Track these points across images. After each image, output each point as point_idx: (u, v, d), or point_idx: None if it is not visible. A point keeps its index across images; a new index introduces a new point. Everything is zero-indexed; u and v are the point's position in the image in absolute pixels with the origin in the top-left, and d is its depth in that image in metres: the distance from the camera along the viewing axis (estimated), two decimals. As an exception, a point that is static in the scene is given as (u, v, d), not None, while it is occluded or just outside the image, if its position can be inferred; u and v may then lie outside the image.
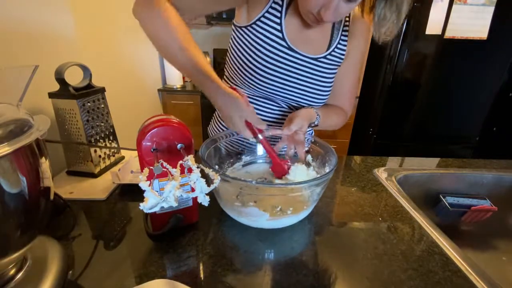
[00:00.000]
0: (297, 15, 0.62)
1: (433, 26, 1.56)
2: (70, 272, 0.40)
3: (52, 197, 0.36)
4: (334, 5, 0.50)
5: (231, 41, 0.69)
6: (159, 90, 1.97)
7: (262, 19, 0.61)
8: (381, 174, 0.73)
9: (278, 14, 0.61)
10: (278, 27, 0.61)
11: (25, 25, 0.72)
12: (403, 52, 1.64)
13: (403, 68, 1.68)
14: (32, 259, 0.38)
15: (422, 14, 1.54)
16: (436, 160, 0.84)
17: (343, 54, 0.69)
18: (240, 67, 0.66)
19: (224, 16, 1.95)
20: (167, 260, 0.42)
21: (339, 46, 0.67)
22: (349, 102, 0.77)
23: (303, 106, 0.70)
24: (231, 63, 0.69)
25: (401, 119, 1.83)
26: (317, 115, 0.64)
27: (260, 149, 0.67)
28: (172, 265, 0.41)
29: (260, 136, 0.55)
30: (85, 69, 0.65)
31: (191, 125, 2.02)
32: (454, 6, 1.51)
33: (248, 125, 0.54)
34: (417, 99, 1.77)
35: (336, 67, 0.70)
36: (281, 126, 0.70)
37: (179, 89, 2.00)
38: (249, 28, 0.62)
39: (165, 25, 0.50)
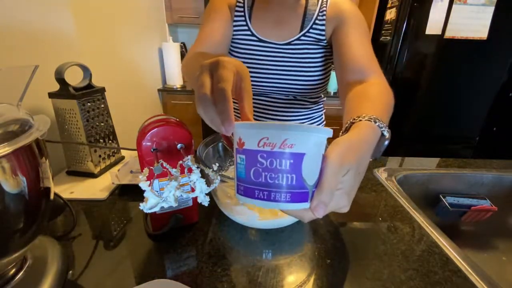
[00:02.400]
0: (265, 9, 0.67)
1: (433, 26, 1.56)
2: (70, 272, 0.40)
3: (52, 197, 0.36)
4: None
5: None
6: (159, 90, 1.97)
7: (234, 23, 0.68)
8: (381, 174, 0.73)
9: (242, 18, 0.67)
10: (246, 28, 0.67)
11: (25, 25, 0.72)
12: (403, 52, 1.64)
13: (403, 68, 1.68)
14: (32, 259, 0.38)
15: (422, 14, 1.54)
16: (436, 160, 0.84)
17: (321, 34, 0.66)
18: None
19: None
20: (167, 260, 0.42)
21: (314, 26, 0.65)
22: (373, 65, 0.57)
23: (299, 94, 0.71)
24: None
25: (401, 119, 1.83)
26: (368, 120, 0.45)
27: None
28: (172, 265, 0.41)
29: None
30: (85, 69, 0.65)
31: (191, 125, 2.02)
32: (454, 6, 1.51)
33: (225, 138, 0.41)
34: (417, 99, 1.76)
35: (315, 48, 0.67)
36: (297, 118, 0.74)
37: (179, 89, 2.00)
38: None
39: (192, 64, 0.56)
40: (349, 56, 0.58)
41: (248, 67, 0.64)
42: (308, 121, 0.78)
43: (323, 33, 0.66)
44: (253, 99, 0.71)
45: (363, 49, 0.60)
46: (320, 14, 0.66)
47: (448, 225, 0.72)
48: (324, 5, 0.66)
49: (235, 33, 0.68)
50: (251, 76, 0.68)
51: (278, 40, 0.67)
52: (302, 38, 0.66)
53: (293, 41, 0.67)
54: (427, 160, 0.84)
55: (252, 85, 0.66)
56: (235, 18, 0.67)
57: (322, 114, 0.82)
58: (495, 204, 0.72)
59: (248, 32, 0.67)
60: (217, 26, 0.65)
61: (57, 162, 0.68)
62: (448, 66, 1.67)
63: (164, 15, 1.99)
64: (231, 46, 0.69)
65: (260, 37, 0.67)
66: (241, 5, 0.67)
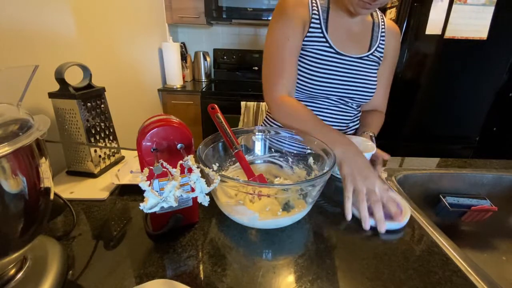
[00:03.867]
0: (339, 23, 0.72)
1: (433, 26, 1.56)
2: (70, 272, 0.40)
3: (52, 197, 0.36)
4: None
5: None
6: (159, 90, 1.97)
7: (308, 34, 0.70)
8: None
9: (319, 30, 0.70)
10: (323, 40, 0.71)
11: (25, 25, 0.72)
12: (403, 52, 1.64)
13: (403, 68, 1.68)
14: (32, 259, 0.38)
15: (422, 14, 1.54)
16: (436, 160, 0.84)
17: (381, 57, 0.78)
18: (299, 78, 0.74)
19: (224, 16, 1.94)
20: (167, 260, 0.42)
21: (378, 49, 0.76)
22: (385, 103, 0.88)
23: (356, 102, 0.78)
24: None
25: (401, 119, 1.83)
26: (372, 137, 0.76)
27: (259, 149, 0.67)
28: (172, 265, 0.41)
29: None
30: (85, 69, 0.65)
31: (191, 125, 2.03)
32: (454, 6, 1.51)
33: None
34: (417, 99, 1.76)
35: (377, 67, 0.78)
36: (338, 123, 0.80)
37: (179, 89, 2.00)
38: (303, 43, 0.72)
39: (295, 118, 0.66)
40: (377, 90, 0.80)
41: (322, 76, 0.71)
42: (351, 120, 0.84)
43: (382, 55, 0.78)
44: (315, 100, 0.77)
45: (387, 87, 0.85)
46: (381, 38, 0.76)
47: (448, 225, 0.72)
48: (383, 26, 0.77)
49: (311, 43, 0.71)
50: (323, 83, 0.72)
51: (350, 53, 0.73)
52: (371, 56, 0.75)
53: (363, 56, 0.74)
54: (427, 160, 0.84)
55: (321, 91, 0.73)
56: (311, 30, 0.70)
57: (359, 116, 0.88)
58: (495, 204, 0.72)
59: (326, 44, 0.71)
60: (295, 45, 0.69)
61: (57, 162, 0.68)
62: (448, 66, 1.66)
63: (164, 15, 1.99)
64: (306, 56, 0.72)
65: (337, 50, 0.71)
66: (317, 17, 0.70)
